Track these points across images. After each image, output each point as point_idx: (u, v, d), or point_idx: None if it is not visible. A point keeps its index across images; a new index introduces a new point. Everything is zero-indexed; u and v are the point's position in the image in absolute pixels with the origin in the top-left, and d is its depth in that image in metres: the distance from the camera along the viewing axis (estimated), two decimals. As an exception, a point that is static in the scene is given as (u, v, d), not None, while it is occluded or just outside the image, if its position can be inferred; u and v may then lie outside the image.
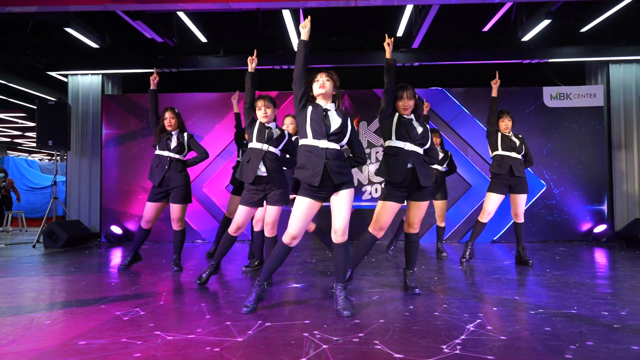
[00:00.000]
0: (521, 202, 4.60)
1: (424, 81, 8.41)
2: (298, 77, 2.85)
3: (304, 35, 2.91)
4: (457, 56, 6.96)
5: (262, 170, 3.44)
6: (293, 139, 3.72)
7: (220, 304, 3.06)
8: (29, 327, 2.50)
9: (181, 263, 4.49)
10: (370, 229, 3.35)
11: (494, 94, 4.63)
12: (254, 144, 3.51)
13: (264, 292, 2.90)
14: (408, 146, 3.22)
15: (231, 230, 3.54)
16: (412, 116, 3.32)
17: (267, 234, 3.61)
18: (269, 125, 3.52)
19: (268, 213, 3.56)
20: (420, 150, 3.27)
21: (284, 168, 3.68)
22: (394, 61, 3.32)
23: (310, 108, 2.86)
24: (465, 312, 2.81)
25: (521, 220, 4.64)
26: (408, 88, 3.29)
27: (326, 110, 2.85)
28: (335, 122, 2.84)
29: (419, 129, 3.27)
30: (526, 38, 6.27)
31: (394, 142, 3.27)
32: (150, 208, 4.31)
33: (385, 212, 3.28)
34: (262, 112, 3.47)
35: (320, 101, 2.87)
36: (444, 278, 3.98)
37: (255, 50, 3.65)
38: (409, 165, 3.20)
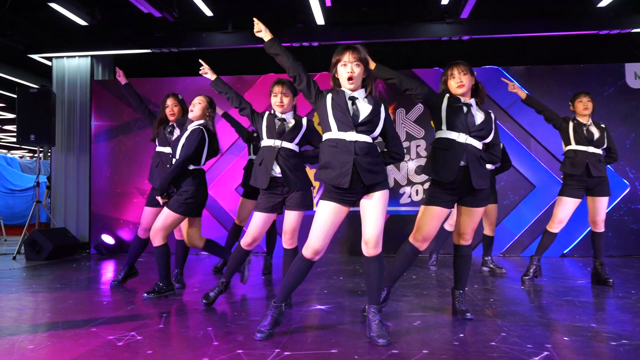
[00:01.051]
0: (601, 206, 4.49)
1: (476, 59, 8.27)
2: (294, 74, 2.92)
3: (266, 36, 3.06)
4: (516, 28, 6.83)
5: (277, 171, 3.46)
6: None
7: (230, 328, 3.09)
8: (9, 352, 2.57)
9: (184, 279, 4.55)
10: (410, 240, 3.32)
11: (522, 94, 4.63)
12: (264, 142, 3.55)
13: (281, 315, 2.91)
14: (462, 138, 3.17)
15: (245, 243, 3.56)
16: (473, 101, 3.27)
17: (285, 245, 3.62)
18: (282, 116, 3.53)
19: (287, 219, 3.57)
20: (477, 144, 3.20)
21: (307, 165, 3.69)
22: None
23: (329, 95, 2.84)
24: (528, 342, 2.76)
25: (601, 229, 4.53)
26: (460, 63, 3.24)
27: (353, 98, 2.83)
28: (364, 109, 2.82)
29: (479, 118, 3.22)
30: (603, 4, 6.10)
31: (445, 133, 3.22)
32: (148, 214, 4.38)
33: (429, 219, 3.24)
34: (278, 100, 3.48)
35: (346, 88, 2.84)
36: (502, 300, 3.92)
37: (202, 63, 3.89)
38: (462, 163, 3.15)
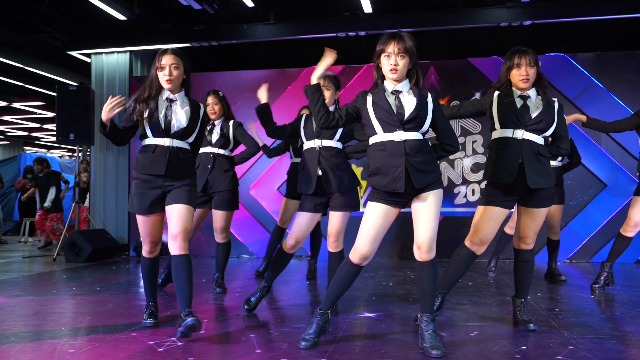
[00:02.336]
0: None
1: (539, 45, 8.07)
2: (331, 118, 2.89)
3: (314, 78, 2.91)
4: (584, 10, 6.63)
5: (320, 172, 3.50)
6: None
7: (273, 335, 3.13)
8: (51, 356, 2.70)
9: (224, 283, 4.63)
10: (467, 243, 3.28)
11: (582, 118, 4.55)
12: (306, 144, 3.61)
13: (327, 322, 2.93)
14: (518, 134, 3.11)
15: (288, 246, 3.59)
16: (533, 91, 3.19)
17: (330, 248, 3.64)
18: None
19: (331, 221, 3.59)
20: (536, 139, 3.13)
21: (353, 159, 3.70)
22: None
23: (369, 98, 2.81)
24: (599, 356, 2.68)
25: None
26: (528, 51, 3.15)
27: (396, 92, 2.79)
28: (409, 104, 2.77)
29: (536, 109, 3.14)
30: (686, -20, 5.83)
31: (500, 132, 3.19)
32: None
33: (487, 220, 3.19)
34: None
35: (388, 83, 2.81)
36: (569, 310, 3.83)
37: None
38: (520, 160, 3.09)
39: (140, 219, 3.26)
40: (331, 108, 3.56)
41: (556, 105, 3.20)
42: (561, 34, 8.18)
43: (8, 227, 12.03)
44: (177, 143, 3.18)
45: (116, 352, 2.76)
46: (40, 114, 13.77)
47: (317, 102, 2.82)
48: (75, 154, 8.37)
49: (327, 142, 3.53)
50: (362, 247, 2.80)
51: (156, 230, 3.32)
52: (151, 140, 3.17)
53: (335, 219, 3.57)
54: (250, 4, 6.69)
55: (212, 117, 4.47)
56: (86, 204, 8.58)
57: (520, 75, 3.13)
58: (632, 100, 4.73)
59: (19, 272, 5.99)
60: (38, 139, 19.01)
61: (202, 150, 4.48)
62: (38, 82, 10.37)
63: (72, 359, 2.66)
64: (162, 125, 3.13)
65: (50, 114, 13.23)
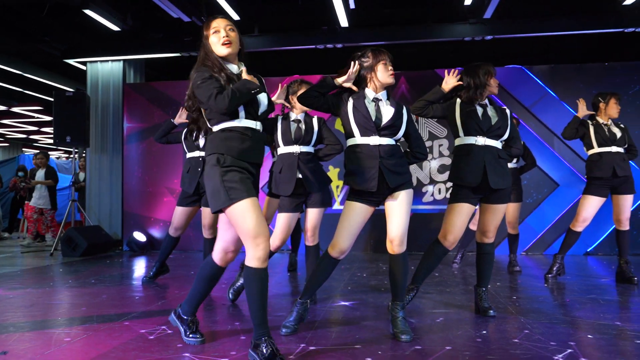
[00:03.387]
0: (626, 204, 4.41)
1: (499, 58, 8.15)
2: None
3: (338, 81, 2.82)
4: (539, 26, 6.71)
5: (299, 176, 3.50)
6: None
7: (257, 323, 3.12)
8: (47, 344, 2.65)
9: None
10: (440, 239, 3.29)
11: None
12: (282, 149, 3.57)
13: (306, 311, 2.93)
14: (480, 141, 3.16)
15: (274, 247, 3.57)
16: (487, 101, 3.25)
17: (307, 242, 3.64)
18: (297, 117, 3.57)
19: (309, 217, 3.59)
20: (496, 144, 3.19)
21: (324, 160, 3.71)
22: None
23: (350, 102, 2.82)
24: (552, 339, 2.72)
25: (626, 227, 4.45)
26: (491, 66, 3.24)
27: (377, 100, 2.82)
28: (387, 112, 2.80)
29: (494, 117, 3.19)
30: (628, 1, 5.95)
31: (464, 139, 3.23)
32: (180, 213, 4.45)
33: (457, 216, 3.21)
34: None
35: (369, 90, 2.83)
36: (525, 298, 3.87)
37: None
38: (483, 164, 3.15)
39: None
40: (302, 115, 3.59)
41: (508, 112, 3.29)
42: (519, 48, 8.28)
43: (7, 224, 11.76)
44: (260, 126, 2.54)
45: (110, 340, 2.72)
46: (38, 117, 13.51)
47: (321, 88, 2.76)
48: (71, 156, 8.21)
49: (304, 148, 3.53)
50: (341, 243, 2.80)
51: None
52: (243, 122, 2.44)
53: (312, 215, 3.58)
54: (237, 17, 6.65)
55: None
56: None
57: (495, 83, 3.24)
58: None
59: (18, 266, 5.87)
60: (36, 141, 18.65)
61: (192, 154, 4.45)
62: (36, 88, 10.18)
63: (67, 347, 2.61)
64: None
65: (48, 118, 13.00)
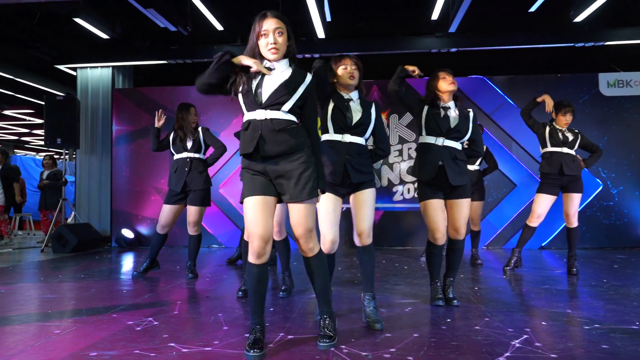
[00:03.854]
0: (573, 203, 4.50)
1: (463, 69, 8.27)
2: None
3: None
4: (500, 40, 6.85)
5: None
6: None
7: (238, 314, 3.10)
8: (37, 337, 2.59)
9: (196, 270, 4.55)
10: (430, 240, 3.32)
11: (546, 104, 4.54)
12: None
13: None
14: (439, 141, 3.22)
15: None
16: (450, 104, 3.29)
17: (276, 237, 3.60)
18: None
19: (275, 212, 3.56)
20: (454, 144, 3.24)
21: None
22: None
23: (331, 101, 2.86)
24: (509, 326, 2.76)
25: (573, 224, 4.54)
26: (446, 68, 3.31)
27: (348, 101, 2.85)
28: (357, 112, 2.84)
29: (455, 120, 3.24)
30: (579, 19, 6.10)
31: (425, 138, 3.29)
32: (166, 211, 4.39)
33: (432, 212, 3.25)
34: None
35: (342, 91, 2.87)
36: (486, 288, 3.93)
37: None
38: (440, 163, 3.20)
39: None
40: None
41: (471, 115, 3.32)
42: (481, 60, 8.41)
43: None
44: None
45: (98, 332, 2.67)
46: (29, 120, 13.18)
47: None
48: (62, 157, 8.02)
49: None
50: (328, 233, 2.77)
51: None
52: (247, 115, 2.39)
53: (277, 211, 3.51)
54: (220, 28, 6.61)
55: (194, 126, 4.46)
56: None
57: (448, 82, 3.27)
58: (538, 116, 4.92)
59: (10, 262, 5.72)
60: (28, 142, 18.18)
61: (179, 156, 4.41)
62: (28, 92, 9.92)
63: (57, 339, 2.55)
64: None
65: (39, 121, 12.69)
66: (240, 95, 2.36)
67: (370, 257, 2.85)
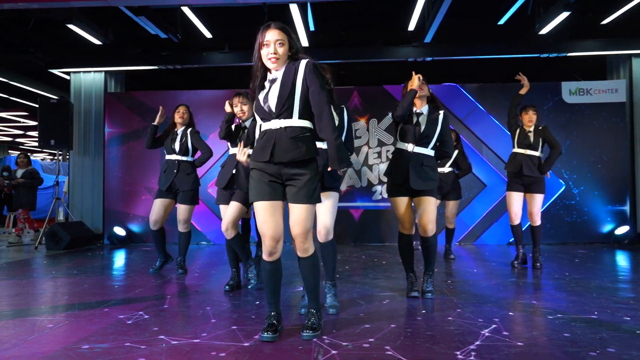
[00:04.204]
0: (535, 202, 4.56)
1: (437, 77, 8.36)
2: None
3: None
4: (471, 50, 6.93)
5: (234, 171, 3.60)
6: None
7: (225, 307, 3.08)
8: (31, 331, 2.53)
9: (186, 265, 4.51)
10: (400, 231, 3.39)
11: (522, 92, 4.66)
12: (232, 150, 3.69)
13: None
14: (410, 147, 3.28)
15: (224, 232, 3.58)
16: (424, 109, 3.33)
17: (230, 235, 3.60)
18: (244, 124, 3.65)
19: (229, 211, 3.55)
20: (424, 151, 3.29)
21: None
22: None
23: None
24: (480, 316, 2.80)
25: (536, 223, 4.59)
26: (411, 78, 3.33)
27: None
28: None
29: (425, 125, 3.29)
30: (544, 31, 6.21)
31: (398, 144, 3.37)
32: (157, 206, 4.32)
33: (399, 208, 3.32)
34: (239, 110, 3.58)
35: None
36: (459, 282, 3.97)
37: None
38: (408, 167, 3.27)
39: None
40: (248, 122, 3.62)
41: (440, 117, 3.33)
42: (454, 69, 8.50)
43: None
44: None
45: (90, 325, 2.63)
46: (23, 122, 12.89)
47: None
48: (55, 157, 7.85)
49: (250, 151, 3.51)
50: (328, 223, 2.94)
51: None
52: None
53: (232, 209, 3.53)
54: (209, 35, 6.55)
55: (179, 120, 4.38)
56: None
57: (420, 92, 3.31)
58: (506, 121, 5.08)
59: (4, 259, 5.58)
60: (22, 143, 17.77)
61: (169, 157, 4.37)
62: (22, 95, 9.70)
63: (50, 333, 2.51)
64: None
65: (33, 123, 12.43)
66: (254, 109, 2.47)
67: (332, 251, 2.95)
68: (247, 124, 3.62)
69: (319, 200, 2.40)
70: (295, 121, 2.32)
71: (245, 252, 3.66)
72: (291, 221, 2.38)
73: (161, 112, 4.47)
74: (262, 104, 2.36)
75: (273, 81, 2.37)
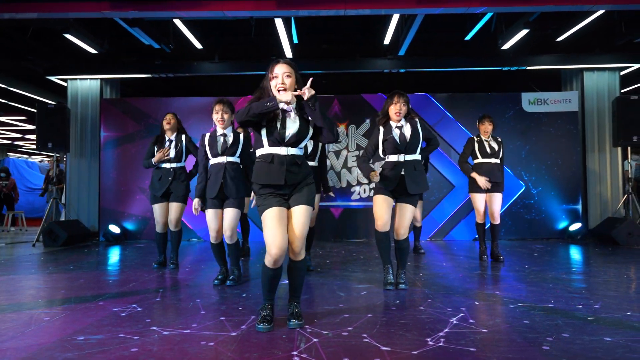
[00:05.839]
0: (497, 201, 4.62)
1: (410, 87, 8.45)
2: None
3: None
4: (441, 63, 7.02)
5: (222, 181, 3.42)
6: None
7: (214, 300, 3.04)
8: (28, 324, 2.46)
9: (177, 261, 4.44)
10: (376, 228, 3.37)
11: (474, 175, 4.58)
12: (213, 160, 3.47)
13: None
14: (401, 158, 3.28)
15: (213, 238, 3.55)
16: (402, 122, 3.33)
17: (228, 240, 3.55)
18: (223, 131, 3.46)
19: (227, 217, 3.49)
20: (413, 156, 3.29)
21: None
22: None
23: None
24: (448, 306, 2.82)
25: (496, 221, 4.65)
26: (402, 94, 3.31)
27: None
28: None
29: (408, 134, 3.28)
30: (506, 46, 6.33)
31: (388, 158, 3.34)
32: (158, 211, 4.26)
33: (380, 204, 3.31)
34: (219, 117, 3.41)
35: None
36: (429, 274, 4.00)
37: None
38: (402, 173, 3.26)
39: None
40: (229, 130, 3.48)
41: (419, 125, 3.34)
42: (425, 79, 8.60)
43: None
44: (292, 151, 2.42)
45: (85, 318, 2.57)
46: (22, 126, 12.54)
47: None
48: (52, 159, 7.64)
49: (230, 159, 3.45)
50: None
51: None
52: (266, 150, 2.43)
53: (229, 214, 3.45)
54: (199, 46, 6.48)
55: (167, 127, 4.27)
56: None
57: (395, 110, 3.28)
58: (473, 128, 5.09)
59: (2, 255, 5.41)
60: (20, 146, 17.28)
61: (162, 165, 4.26)
62: (21, 100, 9.44)
63: (47, 325, 2.44)
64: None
65: (31, 127, 12.10)
66: (264, 131, 2.41)
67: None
68: (227, 132, 3.43)
69: (313, 206, 2.45)
70: (299, 150, 2.45)
71: (238, 257, 3.63)
72: (291, 225, 2.38)
73: (163, 153, 4.19)
74: (278, 130, 2.36)
75: (286, 112, 2.40)
